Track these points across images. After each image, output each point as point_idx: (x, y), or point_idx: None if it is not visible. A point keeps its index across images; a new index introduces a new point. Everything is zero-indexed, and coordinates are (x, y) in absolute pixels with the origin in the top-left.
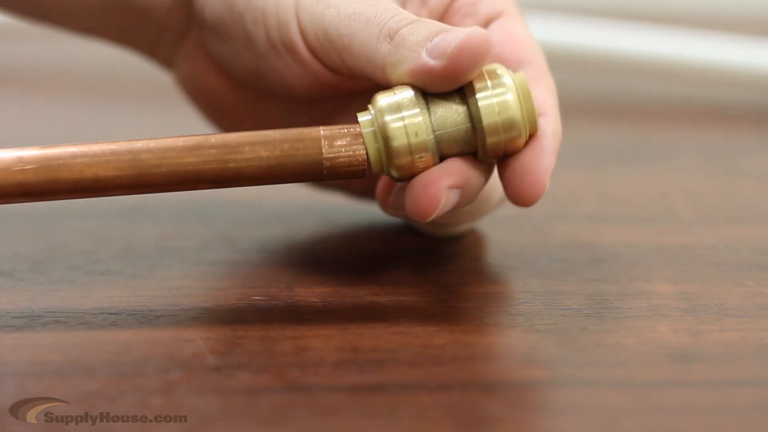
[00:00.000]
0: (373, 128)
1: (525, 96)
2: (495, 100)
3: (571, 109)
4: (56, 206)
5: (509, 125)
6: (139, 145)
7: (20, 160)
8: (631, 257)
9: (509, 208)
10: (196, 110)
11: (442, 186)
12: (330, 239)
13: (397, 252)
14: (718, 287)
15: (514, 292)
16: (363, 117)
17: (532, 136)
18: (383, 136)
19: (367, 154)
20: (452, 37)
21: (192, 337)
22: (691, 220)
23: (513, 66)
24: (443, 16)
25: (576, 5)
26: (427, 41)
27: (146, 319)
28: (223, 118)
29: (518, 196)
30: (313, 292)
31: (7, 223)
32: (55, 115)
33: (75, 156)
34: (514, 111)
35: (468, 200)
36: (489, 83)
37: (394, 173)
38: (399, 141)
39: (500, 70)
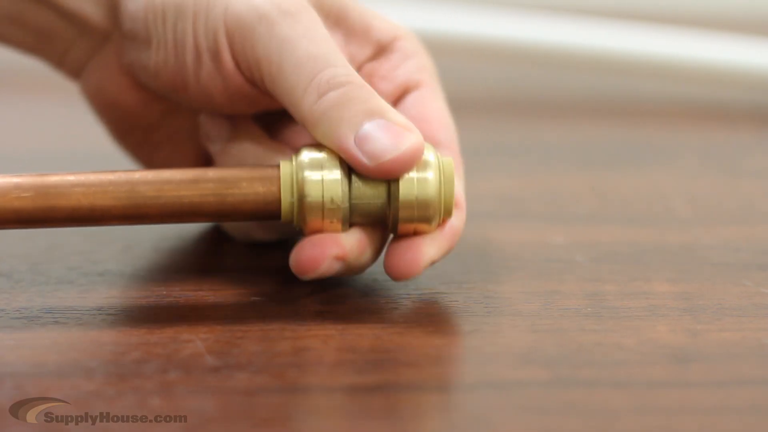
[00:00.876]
0: (291, 179)
1: (447, 180)
2: (416, 176)
3: (571, 109)
4: None
5: (425, 204)
6: (137, 176)
7: (17, 187)
8: (631, 257)
9: (509, 207)
10: (101, 124)
11: (327, 254)
12: None
13: None
14: (717, 287)
15: (514, 292)
16: (284, 166)
17: (445, 221)
18: (299, 190)
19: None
20: (387, 144)
21: (191, 338)
22: (691, 220)
23: None
24: (359, 69)
25: (576, 5)
26: (358, 126)
27: (146, 318)
28: (130, 133)
29: (391, 267)
30: (312, 293)
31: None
32: (54, 116)
33: (73, 185)
34: (432, 191)
35: (353, 272)
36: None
37: (303, 227)
38: (313, 199)
39: (428, 149)
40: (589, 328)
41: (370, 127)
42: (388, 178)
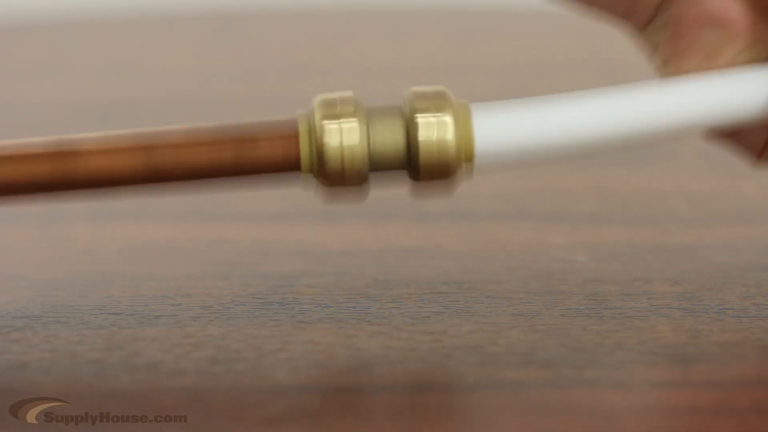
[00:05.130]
0: (308, 130)
1: (465, 123)
2: (434, 120)
3: None
4: (56, 206)
5: (444, 149)
6: (154, 141)
7: (33, 156)
8: (631, 257)
9: (509, 207)
10: None
11: None
12: (330, 237)
13: (394, 251)
14: (718, 287)
15: (514, 292)
16: (301, 117)
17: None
18: (318, 140)
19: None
20: None
21: (193, 337)
22: (691, 220)
23: None
24: None
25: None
26: None
27: (146, 319)
28: None
29: None
30: (314, 292)
31: (6, 224)
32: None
33: (90, 153)
34: (451, 135)
35: None
36: (432, 104)
37: (323, 180)
38: (333, 148)
39: (445, 92)
40: (590, 328)
41: None
42: None
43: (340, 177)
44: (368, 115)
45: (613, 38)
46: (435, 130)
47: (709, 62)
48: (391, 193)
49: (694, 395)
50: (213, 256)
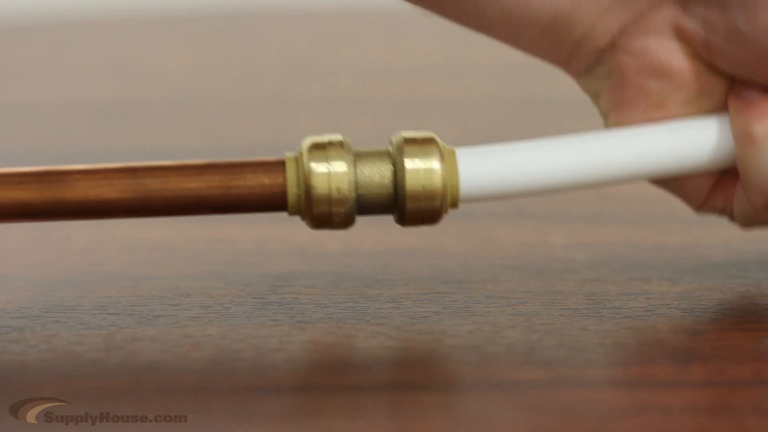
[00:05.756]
0: (296, 172)
1: (451, 169)
2: (422, 167)
3: (572, 108)
4: None
5: (431, 194)
6: (142, 168)
7: (23, 180)
8: (631, 257)
9: (509, 207)
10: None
11: None
12: (330, 237)
13: (393, 251)
14: (717, 287)
15: (513, 292)
16: (289, 157)
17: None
18: (305, 182)
19: (286, 194)
20: None
21: (192, 337)
22: (691, 220)
23: None
24: None
25: None
26: None
27: (146, 319)
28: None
29: None
30: (313, 292)
31: (5, 224)
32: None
33: (78, 177)
34: (438, 181)
35: None
36: (419, 149)
37: (308, 222)
38: (320, 191)
39: (433, 138)
40: (589, 328)
41: None
42: None
43: (326, 220)
44: (356, 159)
45: None
46: (422, 177)
47: (654, 112)
48: None
49: (693, 395)
50: (212, 256)
